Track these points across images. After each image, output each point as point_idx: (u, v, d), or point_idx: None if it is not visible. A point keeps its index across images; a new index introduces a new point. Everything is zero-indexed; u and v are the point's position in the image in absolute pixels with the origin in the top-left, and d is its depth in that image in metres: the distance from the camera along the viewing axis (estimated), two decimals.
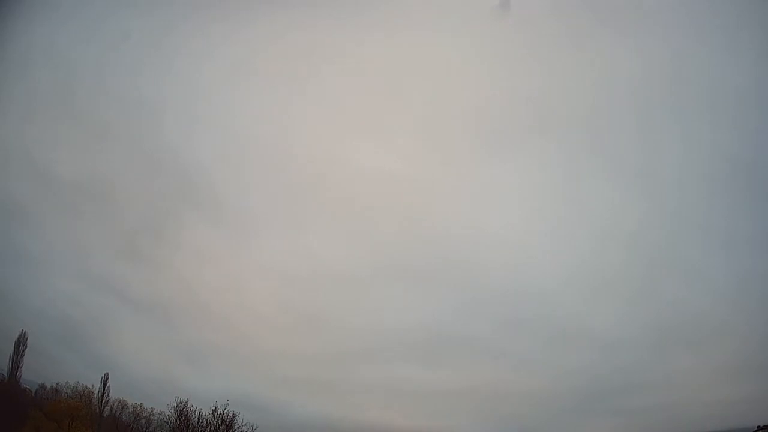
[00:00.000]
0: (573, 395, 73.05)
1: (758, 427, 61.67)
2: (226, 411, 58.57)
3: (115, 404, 63.25)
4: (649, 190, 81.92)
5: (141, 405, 63.64)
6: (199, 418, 58.83)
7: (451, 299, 77.68)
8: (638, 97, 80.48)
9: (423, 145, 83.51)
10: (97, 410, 61.21)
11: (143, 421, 62.99)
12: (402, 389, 72.71)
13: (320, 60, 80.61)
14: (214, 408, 58.62)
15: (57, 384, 64.34)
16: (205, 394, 60.61)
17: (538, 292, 77.32)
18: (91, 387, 61.60)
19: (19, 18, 64.76)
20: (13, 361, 62.36)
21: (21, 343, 62.88)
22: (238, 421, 58.94)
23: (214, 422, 58.57)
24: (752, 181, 77.85)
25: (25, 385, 64.72)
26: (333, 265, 78.98)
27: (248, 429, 59.14)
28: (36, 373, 64.74)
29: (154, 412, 63.44)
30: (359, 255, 79.98)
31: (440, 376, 74.51)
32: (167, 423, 60.24)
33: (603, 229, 79.87)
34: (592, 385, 73.13)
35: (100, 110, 75.54)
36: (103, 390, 62.33)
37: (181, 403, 59.03)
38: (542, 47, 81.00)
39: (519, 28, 77.38)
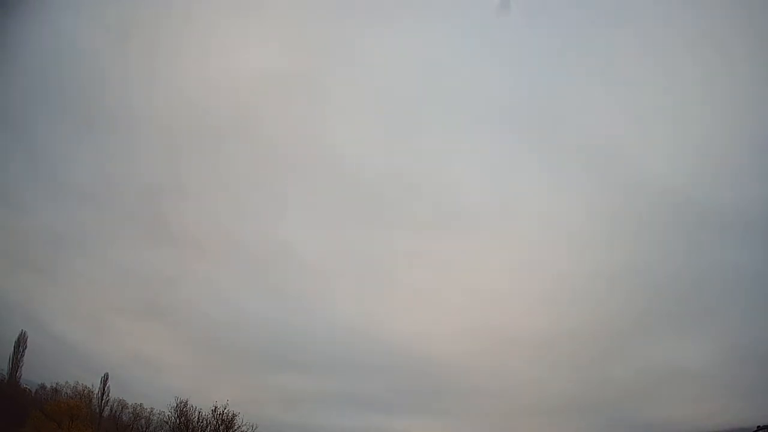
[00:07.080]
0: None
1: (758, 427, 61.49)
2: (226, 411, 58.54)
3: (115, 404, 63.19)
4: None
5: (141, 405, 63.47)
6: (198, 418, 58.69)
7: None
8: None
9: None
10: (97, 410, 61.09)
11: (143, 421, 62.75)
12: None
13: None
14: (214, 408, 58.66)
15: (57, 384, 64.36)
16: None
17: None
18: (91, 387, 61.40)
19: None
20: (13, 361, 62.43)
21: (21, 343, 62.98)
22: (238, 420, 58.87)
23: (214, 422, 58.39)
24: None
25: (25, 385, 64.69)
26: None
27: (248, 429, 59.14)
28: (36, 373, 64.83)
29: (154, 412, 63.39)
30: None
31: None
32: (167, 423, 60.10)
33: None
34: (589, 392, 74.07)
35: None
36: (103, 390, 62.30)
37: (181, 403, 59.03)
38: None
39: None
